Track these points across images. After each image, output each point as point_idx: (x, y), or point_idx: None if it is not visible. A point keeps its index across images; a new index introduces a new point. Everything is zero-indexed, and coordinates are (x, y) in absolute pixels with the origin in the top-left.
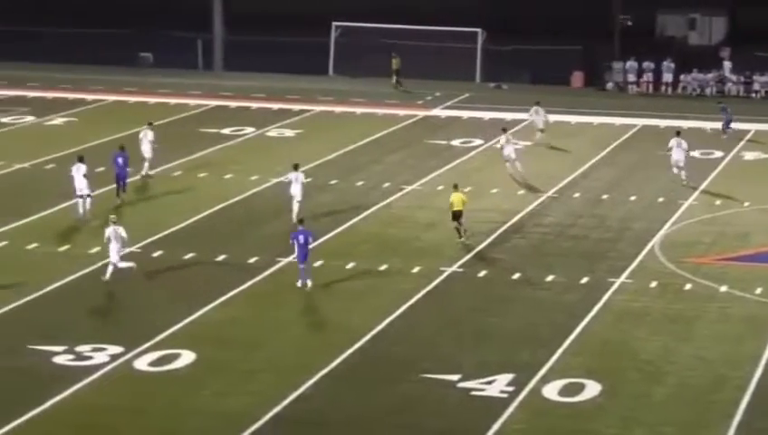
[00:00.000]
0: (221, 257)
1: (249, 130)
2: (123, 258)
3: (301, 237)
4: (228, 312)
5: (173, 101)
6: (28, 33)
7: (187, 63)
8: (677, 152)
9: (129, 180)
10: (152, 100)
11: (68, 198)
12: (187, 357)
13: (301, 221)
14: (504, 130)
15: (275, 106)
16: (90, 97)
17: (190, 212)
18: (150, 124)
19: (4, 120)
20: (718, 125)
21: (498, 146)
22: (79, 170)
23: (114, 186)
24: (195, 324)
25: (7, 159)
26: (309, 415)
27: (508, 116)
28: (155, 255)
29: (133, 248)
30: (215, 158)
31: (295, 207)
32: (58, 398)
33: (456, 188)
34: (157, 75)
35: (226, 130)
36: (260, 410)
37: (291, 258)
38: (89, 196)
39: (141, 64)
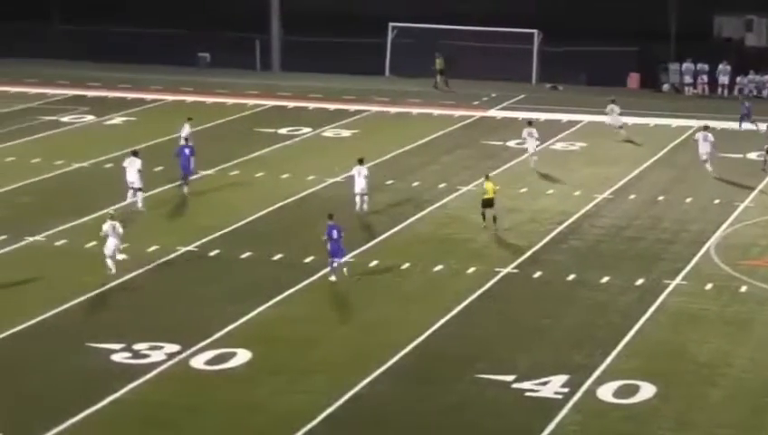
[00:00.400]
0: (277, 257)
1: (306, 130)
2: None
3: (334, 232)
4: (284, 311)
5: (230, 100)
6: (89, 33)
7: (244, 64)
8: (703, 145)
9: (167, 185)
10: (210, 99)
11: (125, 197)
12: (242, 356)
13: (331, 216)
14: (530, 124)
15: (332, 106)
16: (149, 97)
17: (247, 211)
18: (191, 119)
19: (65, 119)
20: None
21: (523, 138)
22: (132, 164)
23: (178, 182)
24: (251, 323)
25: (66, 157)
26: (363, 414)
27: (563, 117)
28: (212, 253)
29: (191, 247)
30: (271, 157)
31: (358, 200)
32: (116, 395)
33: (487, 177)
34: (215, 75)
35: (283, 130)
36: (315, 409)
37: (348, 257)
38: (139, 189)
39: (200, 65)
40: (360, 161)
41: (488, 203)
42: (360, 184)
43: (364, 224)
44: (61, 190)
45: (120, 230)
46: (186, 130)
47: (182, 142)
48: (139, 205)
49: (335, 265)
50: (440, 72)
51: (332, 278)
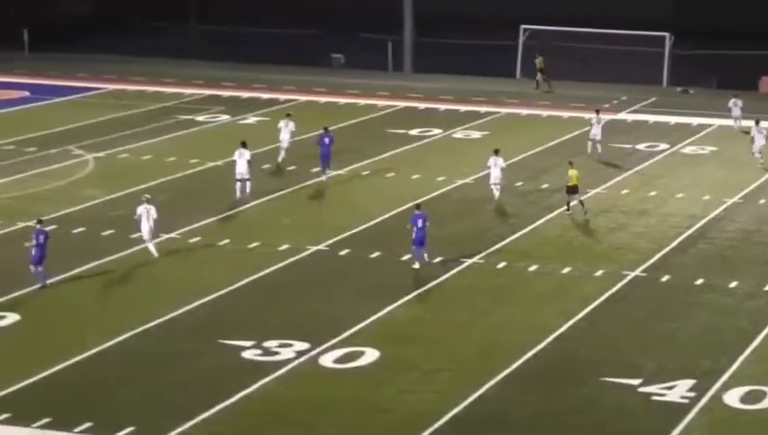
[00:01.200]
0: (406, 257)
1: (436, 131)
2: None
3: (419, 221)
4: (413, 311)
5: (362, 101)
6: (225, 34)
7: (376, 65)
8: (758, 138)
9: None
10: (342, 100)
11: (260, 195)
12: (371, 355)
13: (418, 206)
14: (597, 112)
15: (462, 108)
16: (282, 97)
17: (377, 211)
18: (289, 115)
19: (200, 118)
20: None
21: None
22: (242, 155)
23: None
24: (380, 323)
25: (202, 156)
26: (489, 415)
27: (694, 121)
28: (342, 253)
29: (321, 246)
30: (402, 158)
31: (494, 189)
32: (246, 392)
33: (571, 164)
34: (347, 76)
35: (414, 132)
36: (441, 409)
37: (476, 259)
38: (248, 180)
39: (333, 65)
40: (497, 152)
41: (573, 190)
42: (495, 174)
43: (493, 225)
44: (195, 189)
45: (155, 214)
46: (291, 125)
47: (321, 131)
48: (239, 194)
49: (422, 254)
50: (540, 71)
51: (416, 266)
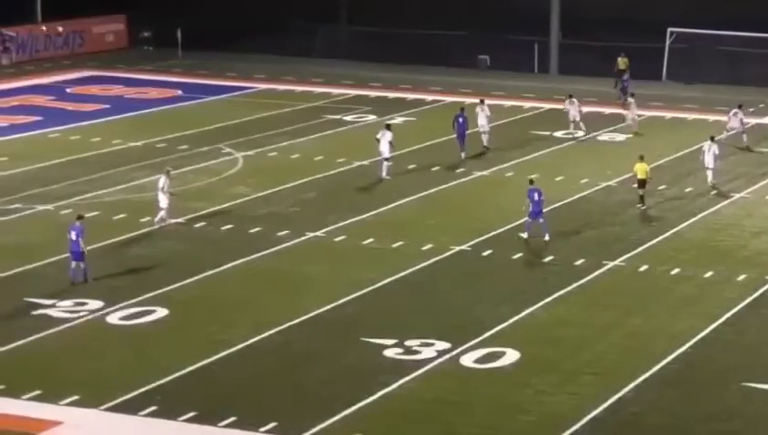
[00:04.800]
0: (548, 258)
1: (580, 133)
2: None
3: (535, 195)
4: (554, 312)
5: (507, 103)
6: (373, 35)
7: (522, 66)
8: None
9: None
10: (488, 101)
11: (404, 196)
12: (511, 355)
13: (531, 181)
14: (632, 95)
15: (607, 110)
16: (428, 97)
17: (520, 213)
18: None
19: (348, 118)
20: None
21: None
22: (384, 136)
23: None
24: (521, 324)
25: (348, 156)
26: (628, 419)
27: None
28: (484, 254)
29: (464, 247)
30: (546, 160)
31: (709, 175)
32: (387, 390)
33: (641, 159)
34: (493, 77)
35: (558, 133)
36: (580, 411)
37: (618, 261)
38: (388, 160)
39: (479, 66)
40: (712, 139)
41: (640, 184)
42: (708, 159)
43: (635, 228)
44: (341, 188)
45: (169, 190)
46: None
47: (460, 110)
48: (384, 174)
49: (533, 226)
50: (619, 72)
51: (524, 235)
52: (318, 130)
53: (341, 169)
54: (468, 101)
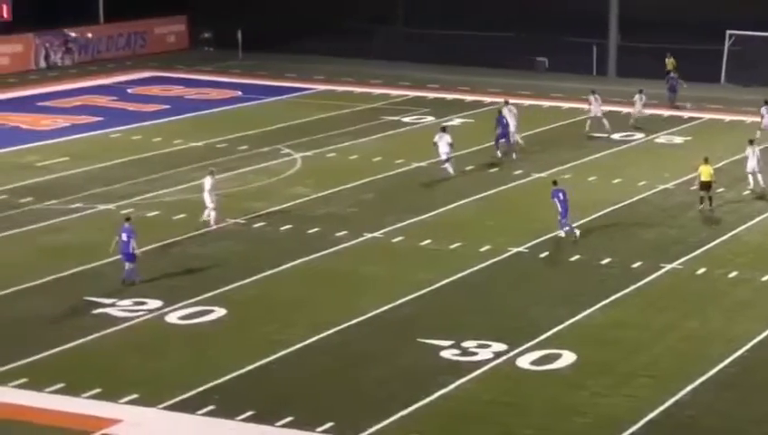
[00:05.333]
0: (606, 260)
1: (639, 135)
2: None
3: (560, 195)
4: (611, 315)
5: (565, 105)
6: (431, 36)
7: (581, 68)
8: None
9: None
10: (546, 104)
11: (462, 197)
12: (568, 357)
13: (555, 182)
14: (641, 91)
15: (666, 113)
16: (486, 99)
17: (578, 215)
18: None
19: (406, 119)
20: None
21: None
22: (442, 139)
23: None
24: (578, 326)
25: (407, 157)
26: (684, 422)
27: None
28: (541, 255)
29: (521, 248)
30: (604, 162)
31: (751, 179)
32: (444, 391)
33: (706, 161)
34: (551, 79)
35: (616, 136)
36: (636, 414)
37: (675, 264)
38: (448, 160)
39: (538, 69)
40: (751, 142)
41: (705, 186)
42: (752, 163)
43: (693, 231)
44: (399, 189)
45: (212, 189)
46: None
47: (504, 104)
48: (450, 170)
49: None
50: (668, 73)
51: (561, 234)
52: (376, 132)
53: (400, 169)
54: (527, 102)
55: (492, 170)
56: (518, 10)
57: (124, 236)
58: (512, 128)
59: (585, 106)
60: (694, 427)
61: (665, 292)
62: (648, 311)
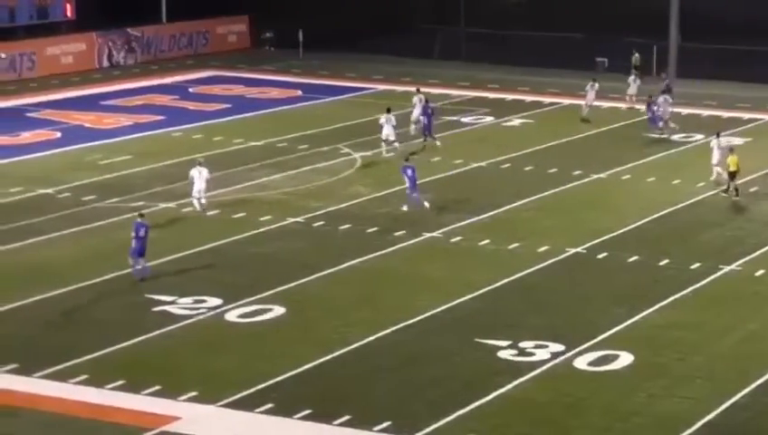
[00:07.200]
0: (664, 262)
1: (698, 136)
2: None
3: (409, 171)
4: (669, 316)
5: (625, 105)
6: (491, 36)
7: (641, 69)
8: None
9: (560, 187)
10: (605, 104)
11: (520, 197)
12: (625, 358)
13: (407, 159)
14: (594, 80)
15: (725, 114)
16: (546, 100)
17: (636, 215)
18: (389, 110)
19: (465, 120)
20: None
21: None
22: (389, 121)
23: None
24: (635, 327)
25: (466, 157)
26: (742, 424)
27: None
28: (600, 256)
29: (579, 249)
30: (663, 163)
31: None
32: (501, 391)
33: (731, 151)
34: (611, 80)
35: (675, 137)
36: (693, 415)
37: (734, 266)
38: (394, 142)
39: (597, 69)
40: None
41: (731, 175)
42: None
43: (752, 233)
44: (458, 189)
45: (208, 176)
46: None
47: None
48: (392, 154)
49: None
50: (635, 68)
51: (404, 208)
52: (435, 132)
53: (459, 170)
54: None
55: (551, 171)
56: (577, 10)
57: (142, 232)
58: (413, 117)
59: (638, 106)
60: (751, 429)
61: (723, 293)
62: (706, 312)
